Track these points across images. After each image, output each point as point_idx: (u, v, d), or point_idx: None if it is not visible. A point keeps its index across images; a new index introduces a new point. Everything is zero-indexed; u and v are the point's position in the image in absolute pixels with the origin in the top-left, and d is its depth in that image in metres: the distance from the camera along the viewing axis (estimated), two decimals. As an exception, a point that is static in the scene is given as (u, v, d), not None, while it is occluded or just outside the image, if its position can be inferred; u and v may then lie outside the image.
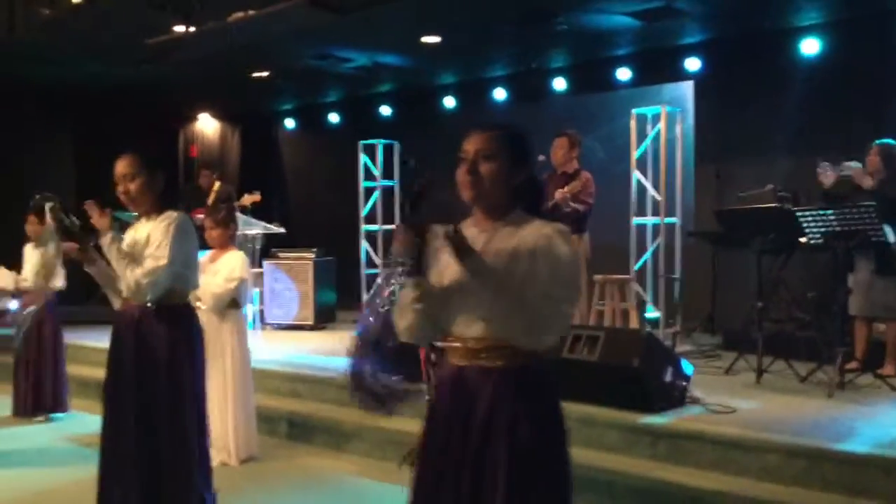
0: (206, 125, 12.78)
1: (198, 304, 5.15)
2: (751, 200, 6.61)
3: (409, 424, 5.05)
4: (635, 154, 7.46)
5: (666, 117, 7.37)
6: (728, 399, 5.03)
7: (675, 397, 4.93)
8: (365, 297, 9.14)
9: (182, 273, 3.54)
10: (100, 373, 3.71)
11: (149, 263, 3.44)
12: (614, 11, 7.33)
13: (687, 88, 8.59)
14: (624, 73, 8.79)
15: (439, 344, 2.45)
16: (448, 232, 2.20)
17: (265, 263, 9.00)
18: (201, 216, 6.32)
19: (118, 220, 3.82)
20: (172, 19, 7.19)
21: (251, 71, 9.70)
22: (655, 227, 7.46)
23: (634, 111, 7.55)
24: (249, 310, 6.77)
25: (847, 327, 5.71)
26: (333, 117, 11.77)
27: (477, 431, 2.26)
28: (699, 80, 8.41)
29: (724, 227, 6.57)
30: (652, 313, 7.34)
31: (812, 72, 7.59)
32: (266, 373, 6.36)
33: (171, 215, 3.53)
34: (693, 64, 8.28)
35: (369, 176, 9.64)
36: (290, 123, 12.57)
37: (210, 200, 8.67)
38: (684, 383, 5.01)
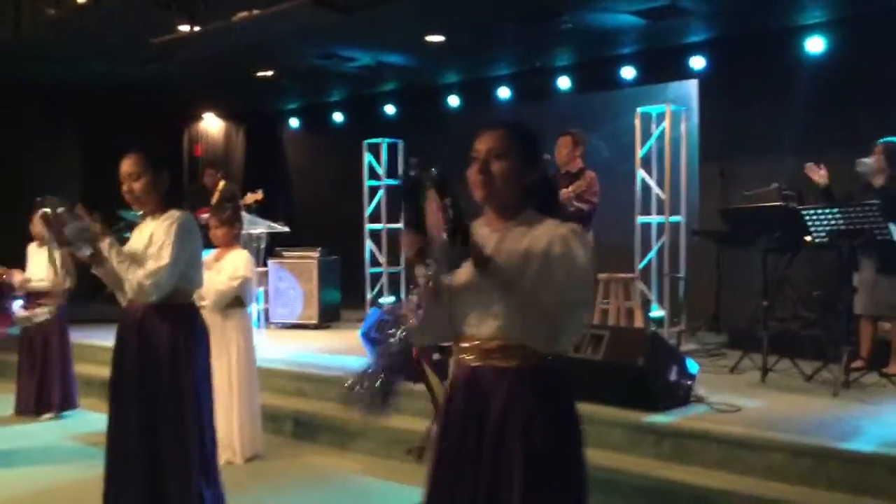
0: (211, 124, 12.80)
1: (202, 302, 5.18)
2: (756, 199, 6.60)
3: (413, 423, 5.08)
4: (640, 153, 7.46)
5: (671, 116, 7.36)
6: (733, 398, 5.02)
7: (679, 396, 4.92)
8: (374, 311, 9.13)
9: (185, 272, 3.53)
10: (106, 371, 3.72)
11: (151, 264, 3.45)
12: (619, 10, 7.32)
13: (692, 87, 8.57)
14: (628, 72, 8.77)
15: (446, 344, 2.44)
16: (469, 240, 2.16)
17: (270, 262, 9.01)
18: (206, 215, 6.33)
19: (123, 218, 3.83)
20: (177, 19, 7.19)
21: (256, 70, 9.71)
22: (660, 225, 7.45)
23: (639, 110, 7.54)
24: (254, 309, 6.78)
25: (853, 326, 5.70)
26: (338, 116, 11.78)
27: (492, 431, 2.25)
28: (704, 78, 8.39)
29: (730, 226, 6.55)
30: (656, 312, 7.34)
31: (817, 70, 7.57)
32: (271, 372, 6.36)
33: (173, 215, 3.53)
34: (698, 62, 8.26)
35: (373, 175, 9.65)
36: (294, 123, 12.58)
37: (214, 199, 8.69)
38: (689, 382, 5.00)
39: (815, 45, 7.57)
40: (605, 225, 7.04)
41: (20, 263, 6.62)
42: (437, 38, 8.32)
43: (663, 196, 7.34)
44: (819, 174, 5.96)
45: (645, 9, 7.26)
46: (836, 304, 5.71)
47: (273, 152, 12.71)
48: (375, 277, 9.68)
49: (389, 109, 11.02)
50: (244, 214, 7.03)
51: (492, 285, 2.21)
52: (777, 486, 4.09)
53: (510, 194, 2.35)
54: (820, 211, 5.47)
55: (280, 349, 7.36)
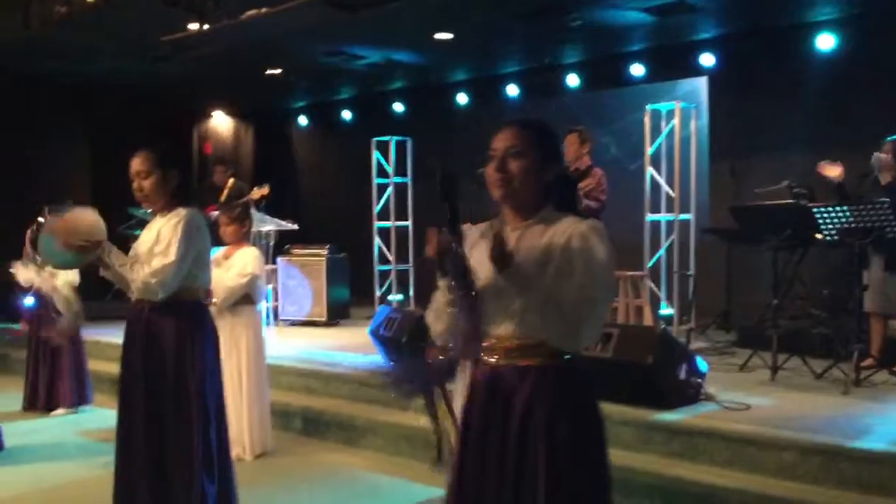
0: (220, 122, 12.83)
1: (213, 300, 5.19)
2: (767, 197, 6.57)
3: (421, 420, 5.07)
4: (649, 150, 7.44)
5: (680, 113, 7.35)
6: (743, 396, 5.01)
7: (689, 394, 4.91)
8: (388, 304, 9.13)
9: (192, 270, 3.54)
10: (116, 368, 3.73)
11: (156, 262, 3.45)
12: (628, 7, 7.31)
13: (701, 84, 8.55)
14: (638, 69, 8.75)
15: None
16: (494, 238, 2.15)
17: (279, 260, 9.03)
18: (215, 213, 6.34)
19: (133, 215, 3.85)
20: (187, 17, 7.21)
21: (265, 68, 9.73)
22: (669, 223, 7.44)
23: (648, 107, 7.53)
24: (263, 306, 6.79)
25: (863, 324, 5.68)
26: (346, 114, 11.79)
27: (514, 430, 2.23)
28: (714, 75, 8.37)
29: (740, 224, 6.53)
30: (666, 310, 7.32)
31: (828, 67, 7.54)
32: (280, 369, 6.38)
33: (180, 213, 3.53)
34: (707, 60, 8.24)
35: (382, 173, 9.66)
36: (303, 120, 12.60)
37: (223, 197, 8.71)
38: (699, 380, 4.99)
39: (826, 41, 7.53)
40: (615, 222, 7.00)
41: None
42: (446, 36, 8.32)
43: (673, 194, 7.33)
44: (835, 171, 5.91)
45: (654, 5, 7.24)
46: (846, 302, 5.68)
47: (282, 150, 12.73)
48: (384, 275, 9.68)
49: (398, 107, 11.02)
50: (253, 212, 7.04)
51: (511, 283, 2.19)
52: (787, 485, 4.08)
53: (528, 192, 2.32)
54: (831, 209, 5.45)
55: (289, 346, 7.38)
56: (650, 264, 7.40)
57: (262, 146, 12.76)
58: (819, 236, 5.61)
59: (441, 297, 2.32)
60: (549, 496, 2.17)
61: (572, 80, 9.30)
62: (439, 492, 4.38)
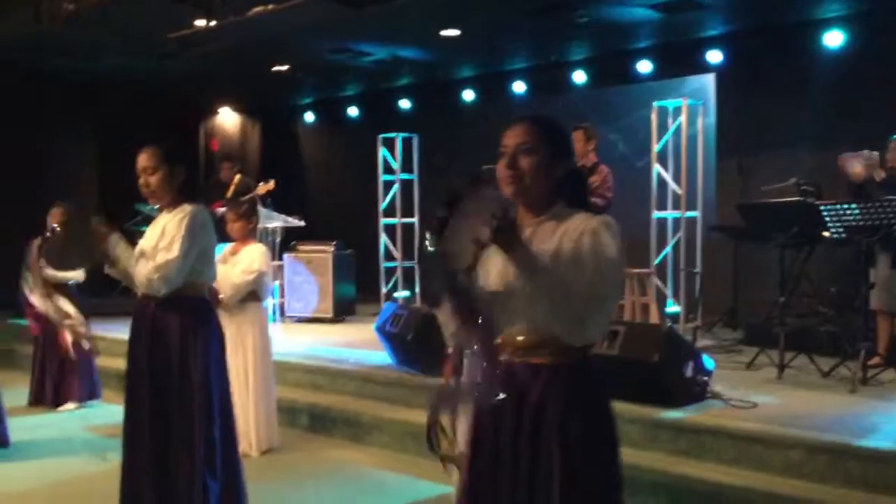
0: (227, 119, 12.84)
1: (220, 296, 5.20)
2: (774, 194, 6.55)
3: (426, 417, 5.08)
4: (656, 147, 7.43)
5: (687, 110, 7.33)
6: (749, 394, 5.00)
7: (695, 392, 4.90)
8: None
9: (196, 266, 3.54)
10: (123, 364, 3.74)
11: (160, 258, 3.46)
12: (635, 3, 7.29)
13: (709, 81, 8.52)
14: (645, 66, 8.73)
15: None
16: (499, 218, 2.05)
17: (285, 256, 9.04)
18: (222, 209, 6.35)
19: (140, 211, 3.85)
20: (194, 13, 7.23)
21: (271, 65, 9.73)
22: (676, 221, 7.42)
23: (655, 104, 7.51)
24: (269, 303, 6.81)
25: (870, 322, 5.66)
26: (353, 111, 11.79)
27: (527, 428, 2.21)
28: (721, 72, 8.34)
29: (747, 222, 6.51)
30: (672, 308, 7.31)
31: (836, 64, 7.51)
32: (286, 365, 6.39)
33: (185, 209, 3.53)
34: (715, 56, 8.21)
35: (388, 169, 9.66)
36: (309, 117, 12.61)
37: (229, 193, 8.72)
38: (705, 378, 4.98)
39: (834, 38, 7.50)
40: (621, 220, 6.89)
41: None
42: (453, 33, 8.31)
43: (679, 191, 7.31)
44: (858, 168, 5.87)
45: (661, 2, 7.22)
46: (853, 299, 5.66)
47: (288, 147, 12.75)
48: (390, 272, 9.69)
49: (404, 104, 11.02)
50: (260, 209, 7.05)
51: (520, 269, 2.13)
52: (793, 483, 4.07)
53: (540, 189, 2.30)
54: (838, 206, 5.42)
55: (295, 343, 7.39)
56: (657, 262, 7.38)
57: (269, 143, 12.78)
58: (826, 234, 5.59)
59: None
60: (564, 495, 2.16)
61: (579, 76, 9.29)
62: (446, 489, 4.40)
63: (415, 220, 9.64)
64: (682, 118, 7.31)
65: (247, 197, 7.93)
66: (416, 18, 7.82)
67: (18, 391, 6.73)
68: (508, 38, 8.59)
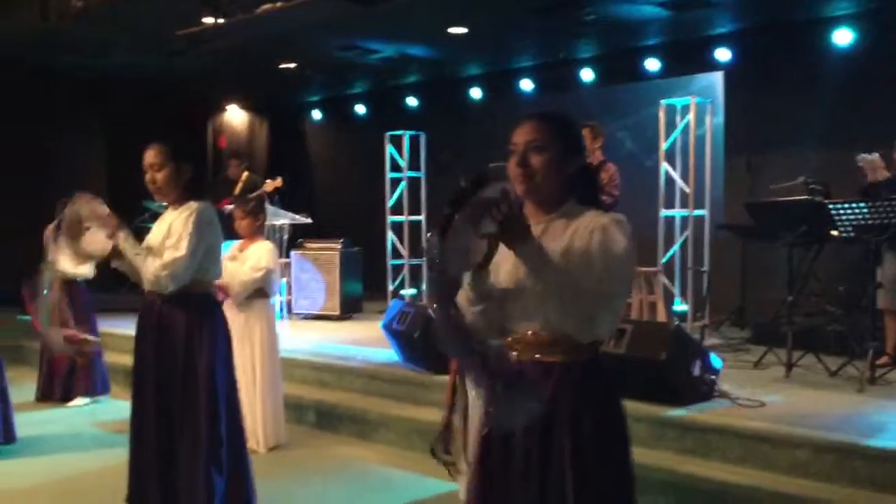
0: (235, 116, 12.87)
1: (228, 293, 5.21)
2: (782, 193, 6.53)
3: (434, 414, 5.08)
4: (664, 145, 7.41)
5: (695, 108, 7.30)
6: (757, 393, 4.99)
7: (702, 391, 4.89)
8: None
9: (203, 264, 3.56)
10: (130, 360, 3.76)
11: (167, 255, 3.48)
12: (643, 1, 7.27)
13: (717, 79, 8.50)
14: (653, 64, 8.71)
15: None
16: (506, 209, 2.03)
17: (292, 254, 9.06)
18: (230, 206, 6.36)
19: (148, 209, 3.86)
20: (202, 11, 7.24)
21: (279, 62, 9.75)
22: (684, 219, 7.40)
23: (663, 102, 7.48)
24: (276, 300, 6.82)
25: (878, 322, 5.64)
26: (360, 108, 11.80)
27: (539, 426, 2.20)
28: (729, 70, 8.31)
29: (755, 220, 6.50)
30: (680, 306, 7.29)
31: (845, 62, 7.48)
32: (293, 362, 6.40)
33: (192, 206, 3.55)
34: (723, 54, 8.18)
35: (395, 167, 9.66)
36: (317, 115, 12.62)
37: (237, 190, 8.74)
38: (712, 377, 4.97)
39: (843, 37, 7.47)
40: (628, 218, 6.95)
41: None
42: (460, 30, 8.30)
43: (687, 189, 7.29)
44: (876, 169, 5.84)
45: (670, 0, 7.20)
46: (861, 299, 5.64)
47: (296, 144, 12.76)
48: (397, 269, 9.69)
49: (412, 101, 11.01)
50: (267, 206, 7.06)
51: (530, 267, 2.12)
52: (800, 483, 4.06)
53: (551, 186, 2.27)
54: (847, 205, 5.41)
55: (302, 340, 7.40)
56: (664, 260, 7.36)
57: (277, 140, 12.80)
58: (835, 233, 5.57)
59: (464, 295, 2.27)
60: (577, 493, 2.15)
61: (587, 74, 9.27)
62: (452, 486, 4.40)
63: (422, 217, 9.64)
64: (691, 116, 7.29)
65: (255, 194, 7.95)
66: (423, 16, 7.81)
67: (26, 387, 6.77)
68: (516, 35, 8.58)
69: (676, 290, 7.36)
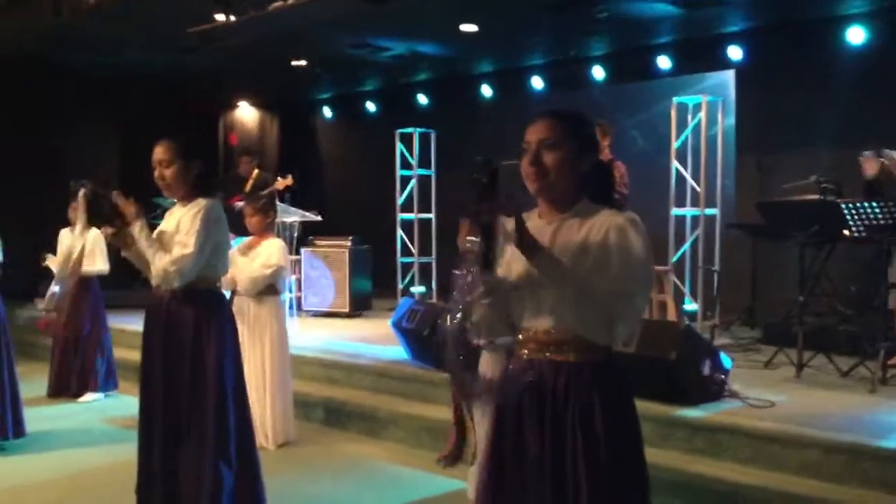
0: (246, 113, 12.89)
1: (237, 290, 5.24)
2: (794, 192, 6.50)
3: (442, 412, 5.09)
4: (675, 144, 7.38)
5: (707, 107, 7.27)
6: (767, 393, 4.97)
7: (712, 391, 4.87)
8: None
9: (210, 260, 3.58)
10: (139, 356, 3.77)
11: (176, 252, 3.50)
12: (655, -1, 7.25)
13: (729, 77, 8.46)
14: (664, 62, 8.67)
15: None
16: (515, 227, 2.08)
17: (302, 251, 9.08)
18: (240, 203, 6.38)
19: (159, 205, 3.87)
20: (214, 8, 7.25)
21: (291, 59, 9.76)
22: (695, 218, 7.38)
23: (675, 100, 7.46)
24: (286, 297, 6.83)
25: (890, 322, 5.61)
26: (371, 106, 11.80)
27: (550, 425, 2.20)
28: (741, 69, 8.27)
29: (767, 220, 6.47)
30: (690, 305, 7.27)
31: (857, 61, 7.43)
32: (302, 359, 6.41)
33: (200, 203, 3.56)
34: (735, 53, 8.14)
35: (406, 164, 9.66)
36: (327, 112, 12.63)
37: (248, 187, 8.76)
38: (722, 377, 4.95)
39: (856, 35, 7.42)
40: (639, 216, 6.97)
41: (56, 249, 6.74)
42: (471, 28, 8.29)
43: (698, 188, 7.27)
44: (872, 165, 5.83)
45: (682, -2, 7.18)
46: (872, 299, 5.61)
47: (307, 141, 12.78)
48: (406, 267, 9.70)
49: (422, 99, 11.01)
50: (278, 203, 7.08)
51: (544, 275, 2.14)
52: (810, 483, 4.04)
53: (565, 185, 2.26)
54: (859, 205, 5.38)
55: (311, 337, 7.41)
56: (675, 259, 7.34)
57: (287, 137, 12.82)
58: (847, 232, 5.54)
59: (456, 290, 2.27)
60: (591, 493, 2.14)
61: (598, 72, 9.24)
62: (460, 484, 4.41)
63: (432, 215, 9.64)
64: (702, 114, 7.26)
65: (266, 191, 7.97)
66: (434, 13, 7.81)
67: (39, 382, 6.80)
68: (527, 33, 8.56)
69: (687, 290, 7.33)
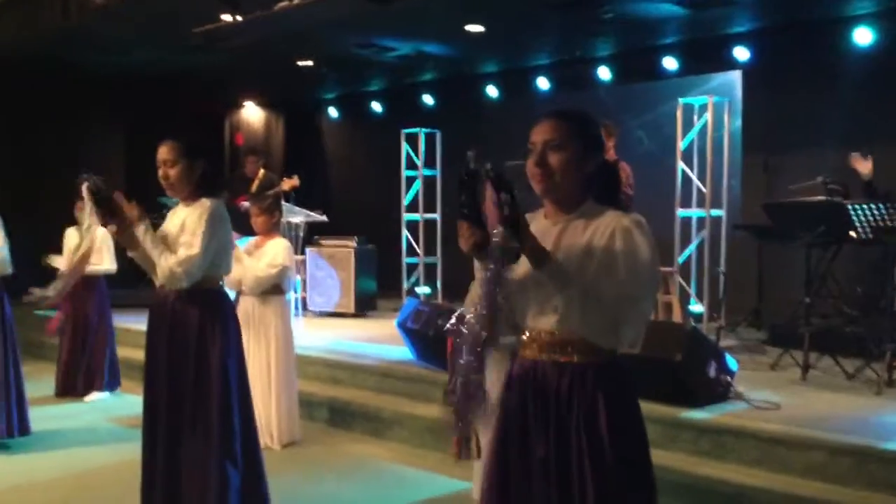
0: (252, 113, 12.91)
1: (243, 289, 5.24)
2: (800, 193, 6.48)
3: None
4: (681, 145, 7.36)
5: (713, 107, 7.26)
6: (773, 395, 4.96)
7: (718, 392, 4.86)
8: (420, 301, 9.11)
9: (215, 260, 3.59)
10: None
11: (182, 252, 3.50)
12: (661, -1, 7.23)
13: (735, 78, 8.44)
14: (670, 63, 8.65)
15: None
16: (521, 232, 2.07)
17: (307, 251, 9.08)
18: (246, 203, 6.38)
19: (164, 205, 3.88)
20: (220, 8, 7.26)
21: (296, 59, 9.76)
22: (700, 219, 7.36)
23: (681, 101, 7.44)
24: (291, 297, 6.84)
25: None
26: (376, 106, 11.80)
27: (554, 426, 2.20)
28: (748, 69, 8.25)
29: (773, 221, 6.45)
30: (696, 307, 7.25)
31: (865, 62, 7.40)
32: (307, 359, 6.42)
33: (204, 203, 3.57)
34: (742, 53, 8.12)
35: (411, 165, 9.66)
36: (333, 112, 12.63)
37: (253, 187, 8.77)
38: (728, 378, 4.94)
39: (863, 36, 7.39)
40: (645, 217, 6.94)
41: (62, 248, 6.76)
42: (477, 28, 8.29)
43: (704, 189, 7.25)
44: (864, 165, 5.83)
45: (688, -2, 7.16)
46: (879, 300, 5.59)
47: (312, 141, 12.79)
48: (412, 267, 9.70)
49: (428, 99, 11.01)
50: (283, 203, 7.09)
51: (549, 279, 2.14)
52: (816, 485, 4.03)
53: (570, 185, 2.26)
54: (866, 206, 5.36)
55: (316, 337, 7.41)
56: (681, 260, 7.32)
57: (293, 137, 12.83)
58: (853, 234, 5.52)
59: (478, 287, 2.24)
60: (598, 494, 2.13)
61: (604, 72, 9.23)
62: (464, 485, 4.40)
63: (437, 215, 9.63)
64: (708, 115, 7.24)
65: (272, 192, 7.98)
66: (440, 13, 7.80)
67: (46, 382, 6.82)
68: (533, 33, 8.55)
69: (692, 291, 7.32)
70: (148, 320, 3.67)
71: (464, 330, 2.12)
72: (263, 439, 5.05)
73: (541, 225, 2.27)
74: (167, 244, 3.56)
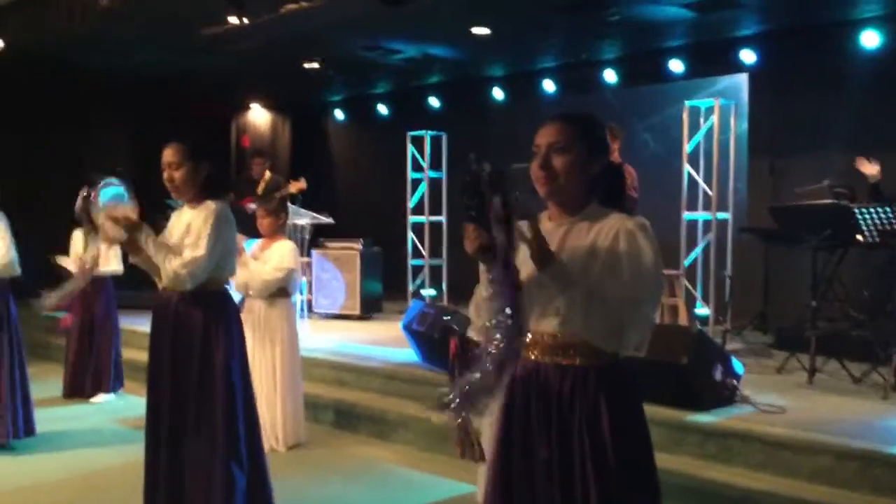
0: (258, 116, 12.93)
1: (249, 292, 5.25)
2: (807, 196, 6.47)
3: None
4: (687, 147, 7.36)
5: (719, 110, 7.25)
6: (779, 399, 4.94)
7: (724, 396, 4.85)
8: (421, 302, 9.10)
9: (219, 262, 3.60)
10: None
11: (187, 254, 3.51)
12: (668, 2, 7.21)
13: (742, 81, 8.43)
14: (677, 66, 8.64)
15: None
16: (530, 231, 2.07)
17: (313, 253, 9.09)
18: (252, 205, 6.39)
19: (170, 207, 3.89)
20: (227, 10, 7.28)
21: (303, 62, 9.78)
22: (706, 222, 7.35)
23: (687, 103, 7.44)
24: (297, 299, 6.85)
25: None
26: (382, 108, 11.81)
27: (557, 428, 2.19)
28: (754, 72, 8.24)
29: (779, 224, 6.44)
30: (702, 310, 7.24)
31: (871, 65, 7.39)
32: (312, 361, 6.42)
33: (209, 206, 3.58)
34: (748, 56, 8.11)
35: (417, 167, 9.67)
36: (339, 114, 12.65)
37: (260, 190, 8.79)
38: (734, 382, 4.93)
39: (870, 39, 7.38)
40: (650, 220, 6.91)
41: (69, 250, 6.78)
42: (483, 31, 8.29)
43: (710, 192, 7.24)
44: (871, 168, 5.82)
45: (695, 1, 7.14)
46: (885, 304, 5.57)
47: (318, 143, 12.81)
48: (417, 269, 9.70)
49: (434, 102, 11.01)
50: (289, 205, 7.09)
51: (553, 281, 2.14)
52: (822, 489, 4.02)
53: (575, 188, 2.26)
54: (872, 210, 5.35)
55: (322, 339, 7.42)
56: (687, 263, 7.32)
57: (299, 139, 12.85)
58: (860, 237, 5.50)
59: (482, 290, 2.25)
60: (601, 496, 2.13)
61: (610, 75, 9.22)
62: (470, 488, 4.40)
63: (443, 217, 9.64)
64: (715, 118, 7.24)
65: (278, 194, 7.99)
66: (446, 16, 7.81)
67: (54, 383, 6.83)
68: (539, 36, 8.55)
69: (698, 294, 7.31)
70: (151, 322, 3.68)
71: (490, 349, 2.08)
72: (269, 441, 5.07)
73: (545, 227, 2.27)
74: (171, 247, 3.56)
